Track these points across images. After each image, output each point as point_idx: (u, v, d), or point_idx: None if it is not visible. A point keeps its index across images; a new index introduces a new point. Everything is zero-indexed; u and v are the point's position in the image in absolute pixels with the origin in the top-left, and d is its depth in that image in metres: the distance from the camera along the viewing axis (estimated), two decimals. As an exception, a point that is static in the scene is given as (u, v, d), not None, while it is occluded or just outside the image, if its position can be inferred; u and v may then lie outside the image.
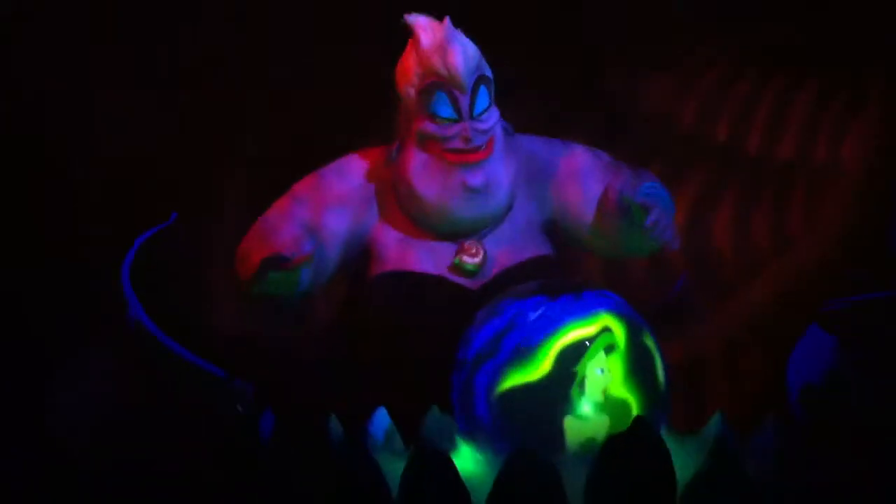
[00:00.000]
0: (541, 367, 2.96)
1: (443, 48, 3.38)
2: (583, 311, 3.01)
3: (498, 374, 2.98)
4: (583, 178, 3.59)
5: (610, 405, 2.97)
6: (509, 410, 2.98)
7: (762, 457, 3.11)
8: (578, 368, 2.95)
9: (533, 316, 2.99)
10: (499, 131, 3.49)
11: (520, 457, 2.77)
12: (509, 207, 3.53)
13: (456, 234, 3.49)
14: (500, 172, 3.46)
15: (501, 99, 3.54)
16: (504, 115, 3.55)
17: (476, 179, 3.41)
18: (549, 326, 2.99)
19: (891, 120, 4.28)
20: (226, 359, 3.35)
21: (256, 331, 3.43)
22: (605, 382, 2.96)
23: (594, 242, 3.61)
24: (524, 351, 2.97)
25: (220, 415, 3.26)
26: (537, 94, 4.11)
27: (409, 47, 3.45)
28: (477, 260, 3.47)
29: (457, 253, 3.47)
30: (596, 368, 2.96)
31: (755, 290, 4.19)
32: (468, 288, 3.45)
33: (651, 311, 3.86)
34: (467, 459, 3.03)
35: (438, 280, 3.46)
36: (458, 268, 3.47)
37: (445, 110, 3.38)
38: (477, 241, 3.49)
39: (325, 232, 3.47)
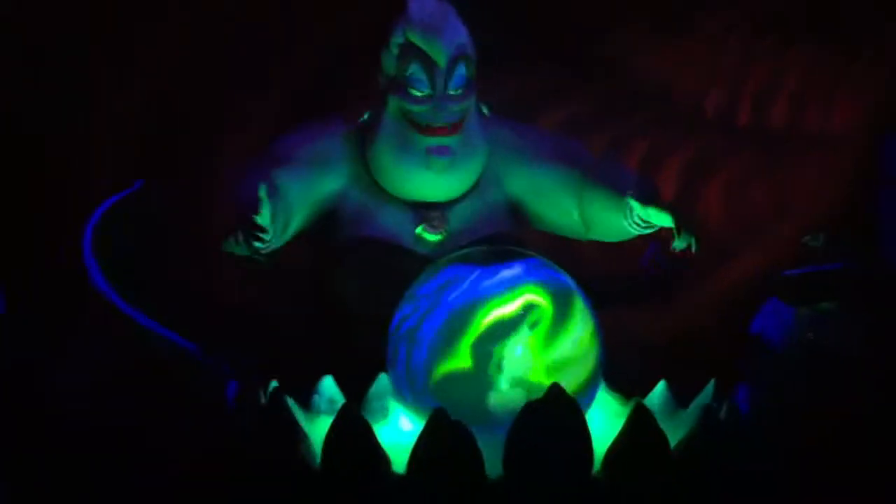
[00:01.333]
0: (461, 355, 3.03)
1: (427, 20, 3.40)
2: (505, 285, 3.06)
3: (426, 363, 3.06)
4: (551, 165, 3.63)
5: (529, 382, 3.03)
6: (440, 395, 3.04)
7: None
8: (496, 350, 3.01)
9: (453, 295, 3.06)
10: (473, 111, 3.52)
11: (437, 419, 2.86)
12: (476, 184, 3.59)
13: (418, 203, 3.54)
14: (466, 151, 3.50)
15: (493, 71, 3.58)
16: (494, 90, 3.60)
17: (441, 154, 3.46)
18: (471, 304, 3.04)
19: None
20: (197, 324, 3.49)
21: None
22: (524, 361, 3.01)
23: (559, 224, 3.67)
24: (446, 337, 3.04)
25: (187, 385, 3.37)
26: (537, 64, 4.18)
27: (398, 14, 3.46)
28: (439, 232, 3.53)
29: (420, 222, 3.53)
30: (515, 347, 3.02)
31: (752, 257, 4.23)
32: (428, 257, 3.47)
33: (620, 283, 3.95)
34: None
35: (399, 248, 3.51)
36: (419, 238, 3.53)
37: (420, 83, 3.41)
38: (441, 214, 3.55)
39: (292, 191, 3.46)
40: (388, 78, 3.47)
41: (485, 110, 3.60)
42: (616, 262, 3.97)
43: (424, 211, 3.55)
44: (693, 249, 3.28)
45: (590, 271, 3.71)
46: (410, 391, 3.09)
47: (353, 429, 2.88)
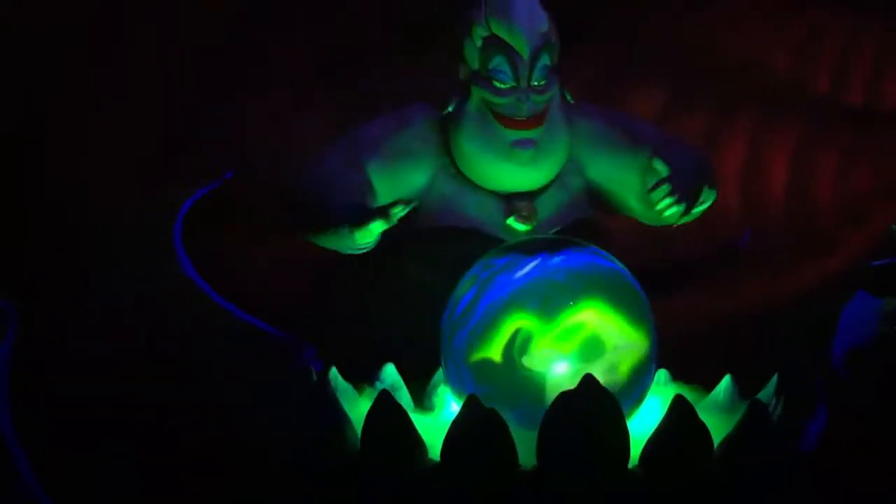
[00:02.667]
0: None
1: (511, 11, 3.38)
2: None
3: (467, 344, 3.12)
4: (623, 147, 3.61)
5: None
6: (479, 379, 3.11)
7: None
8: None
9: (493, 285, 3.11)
10: (556, 100, 3.52)
11: (469, 406, 2.90)
12: (559, 173, 3.60)
13: (505, 194, 3.55)
14: (549, 142, 3.50)
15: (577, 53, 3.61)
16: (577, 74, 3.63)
17: (525, 147, 3.45)
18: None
19: None
20: (274, 315, 3.62)
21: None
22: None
23: (634, 207, 3.65)
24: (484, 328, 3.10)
25: (269, 370, 3.49)
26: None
27: (480, 4, 3.45)
28: (529, 223, 3.54)
29: (510, 213, 3.54)
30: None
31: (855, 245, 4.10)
32: None
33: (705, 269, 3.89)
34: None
35: (487, 238, 3.51)
36: (509, 228, 3.54)
37: (504, 75, 3.40)
38: (530, 203, 3.55)
39: (381, 184, 3.50)
40: (471, 70, 3.48)
41: (568, 97, 3.59)
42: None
43: (513, 201, 3.55)
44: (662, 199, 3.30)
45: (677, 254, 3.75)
46: (455, 376, 3.15)
47: (388, 415, 2.94)
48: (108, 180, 3.76)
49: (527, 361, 3.06)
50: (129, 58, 3.90)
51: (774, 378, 3.20)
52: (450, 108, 3.57)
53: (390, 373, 3.35)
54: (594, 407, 2.88)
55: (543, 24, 3.43)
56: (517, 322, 3.07)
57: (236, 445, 3.22)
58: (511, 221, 3.52)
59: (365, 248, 3.39)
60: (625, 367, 3.10)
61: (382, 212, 3.27)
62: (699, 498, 2.92)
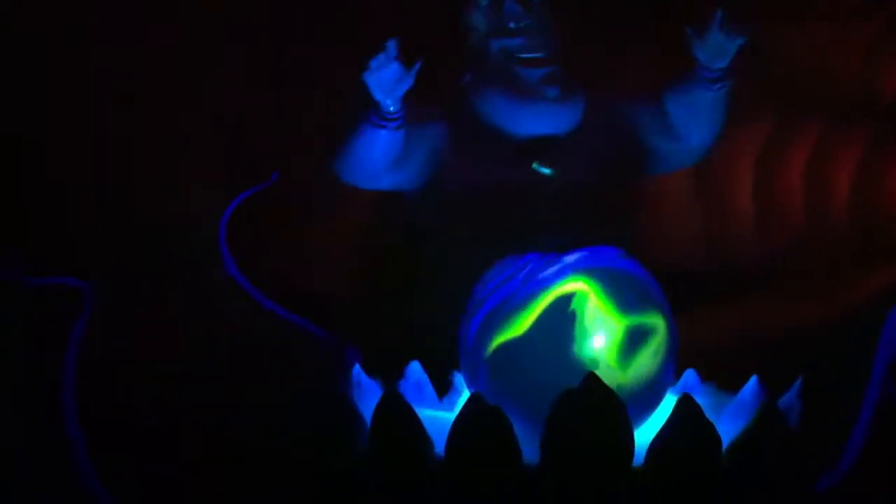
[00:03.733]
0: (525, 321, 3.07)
1: None
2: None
3: (485, 333, 3.12)
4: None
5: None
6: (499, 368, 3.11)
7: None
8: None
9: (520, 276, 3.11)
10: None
11: (472, 403, 2.91)
12: (583, 124, 3.66)
13: (530, 143, 3.62)
14: (574, 82, 3.62)
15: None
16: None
17: (551, 83, 3.57)
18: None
19: None
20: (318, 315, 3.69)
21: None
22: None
23: (665, 152, 3.71)
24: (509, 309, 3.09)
25: (316, 370, 3.55)
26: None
27: None
28: (553, 169, 3.62)
29: (535, 157, 3.62)
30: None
31: None
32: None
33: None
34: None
35: (513, 192, 3.61)
36: (534, 173, 3.62)
37: (517, 15, 3.57)
38: (556, 148, 3.62)
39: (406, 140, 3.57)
40: (482, 33, 3.62)
41: None
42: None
43: (537, 145, 3.62)
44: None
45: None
46: (467, 373, 3.17)
47: (394, 412, 2.96)
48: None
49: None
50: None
51: (798, 381, 3.12)
52: (466, 78, 3.67)
53: (415, 370, 3.37)
54: (597, 404, 2.86)
55: None
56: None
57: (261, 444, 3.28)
58: (537, 166, 3.59)
59: (389, 117, 3.43)
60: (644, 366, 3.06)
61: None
62: (706, 497, 2.87)
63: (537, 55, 3.58)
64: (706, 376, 3.40)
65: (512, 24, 3.58)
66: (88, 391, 3.37)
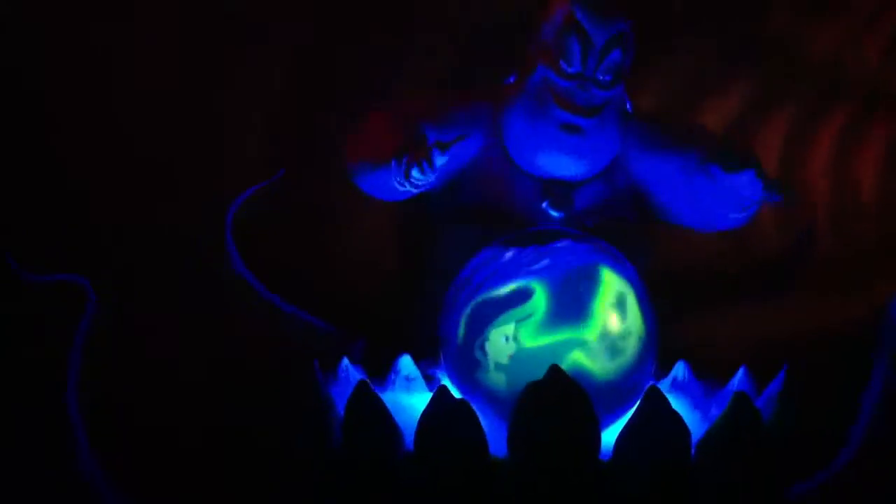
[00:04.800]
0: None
1: None
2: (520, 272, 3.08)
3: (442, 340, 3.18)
4: (673, 150, 3.48)
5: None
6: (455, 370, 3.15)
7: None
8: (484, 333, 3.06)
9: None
10: (616, 102, 3.44)
11: (439, 397, 2.91)
12: (607, 168, 3.51)
13: (545, 179, 3.49)
14: (598, 136, 3.42)
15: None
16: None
17: (572, 133, 3.39)
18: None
19: None
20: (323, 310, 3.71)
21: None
22: (508, 349, 3.03)
23: (680, 211, 3.54)
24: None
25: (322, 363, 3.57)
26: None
27: None
28: (563, 211, 3.50)
29: (544, 197, 3.49)
30: (501, 336, 3.04)
31: None
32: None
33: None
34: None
35: (520, 220, 3.47)
36: (544, 213, 3.49)
37: (573, 58, 3.33)
38: (567, 192, 3.50)
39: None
40: (543, 46, 3.40)
41: (629, 106, 3.52)
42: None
43: (550, 186, 3.49)
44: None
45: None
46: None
47: (366, 406, 2.98)
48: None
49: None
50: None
51: (781, 372, 3.04)
52: (510, 80, 3.52)
53: (406, 364, 3.38)
54: (561, 397, 2.83)
55: (624, 20, 3.35)
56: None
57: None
58: (545, 206, 3.48)
59: (414, 186, 3.32)
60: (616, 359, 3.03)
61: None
62: (674, 488, 2.82)
63: (573, 101, 3.36)
64: (726, 372, 3.33)
65: (564, 65, 3.33)
66: (91, 387, 3.47)
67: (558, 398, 2.84)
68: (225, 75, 3.85)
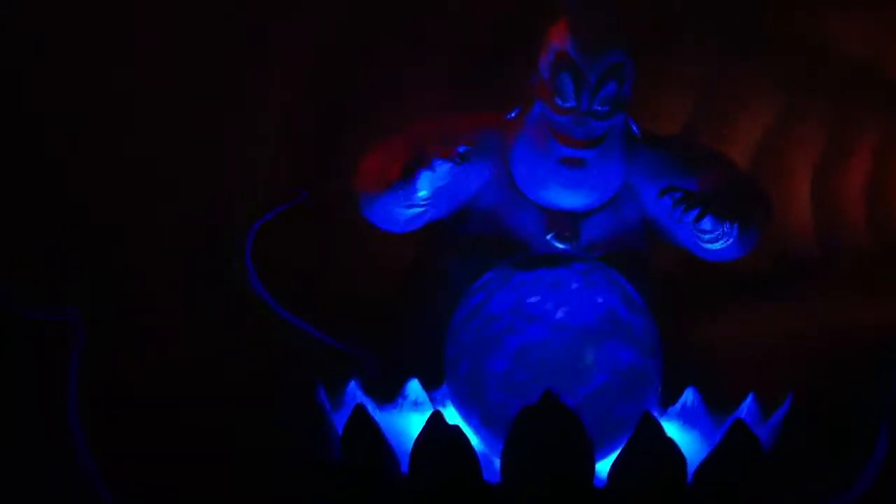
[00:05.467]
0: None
1: (587, 32, 3.29)
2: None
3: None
4: (676, 179, 3.43)
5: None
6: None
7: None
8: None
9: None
10: (618, 129, 3.41)
11: (433, 422, 2.88)
12: (613, 198, 3.49)
13: (551, 210, 3.47)
14: (601, 167, 3.41)
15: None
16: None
17: (573, 166, 3.38)
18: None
19: None
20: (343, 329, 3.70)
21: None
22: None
23: (684, 241, 3.49)
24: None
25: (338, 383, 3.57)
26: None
27: (561, 18, 3.37)
28: (568, 242, 3.46)
29: (550, 228, 3.49)
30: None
31: None
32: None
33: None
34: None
35: (527, 249, 3.46)
36: (549, 244, 3.47)
37: (566, 94, 3.31)
38: (573, 223, 3.48)
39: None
40: (540, 82, 3.40)
41: (635, 129, 3.49)
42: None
43: (557, 217, 3.48)
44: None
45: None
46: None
47: (363, 429, 2.96)
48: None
49: None
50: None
51: (789, 397, 2.98)
52: (513, 114, 3.52)
53: (414, 388, 3.36)
54: (554, 422, 2.80)
55: (618, 52, 3.31)
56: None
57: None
58: (551, 238, 3.46)
59: (415, 207, 3.37)
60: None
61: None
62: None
63: (571, 136, 3.35)
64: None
65: (559, 100, 3.32)
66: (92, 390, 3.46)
67: (551, 423, 2.80)
68: (225, 75, 3.87)
